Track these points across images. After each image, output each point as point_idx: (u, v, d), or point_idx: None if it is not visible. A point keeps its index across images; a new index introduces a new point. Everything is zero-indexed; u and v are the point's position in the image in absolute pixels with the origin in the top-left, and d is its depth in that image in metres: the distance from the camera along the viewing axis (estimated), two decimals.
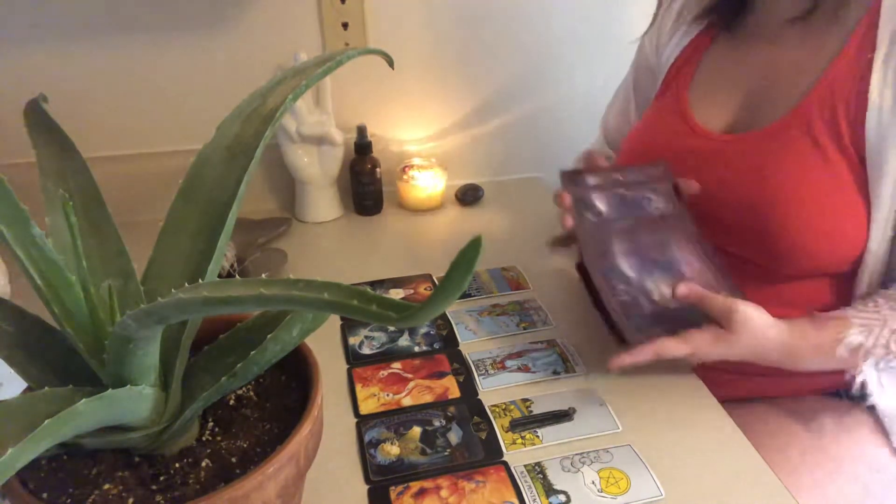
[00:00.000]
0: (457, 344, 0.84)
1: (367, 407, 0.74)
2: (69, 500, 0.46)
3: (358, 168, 1.18)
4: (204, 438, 0.52)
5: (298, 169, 1.16)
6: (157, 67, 1.13)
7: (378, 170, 1.19)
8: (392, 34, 1.18)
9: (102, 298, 0.45)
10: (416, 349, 0.83)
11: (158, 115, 1.16)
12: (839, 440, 0.77)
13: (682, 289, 0.71)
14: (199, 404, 0.47)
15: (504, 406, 0.73)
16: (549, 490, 0.63)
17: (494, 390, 0.76)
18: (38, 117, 0.53)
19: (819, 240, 0.72)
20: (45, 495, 0.46)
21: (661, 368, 0.76)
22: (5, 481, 0.34)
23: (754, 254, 0.77)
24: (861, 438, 0.77)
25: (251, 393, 0.56)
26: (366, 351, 0.83)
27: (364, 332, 0.86)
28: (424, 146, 1.28)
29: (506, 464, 0.66)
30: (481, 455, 0.67)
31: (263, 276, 0.96)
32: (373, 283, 0.98)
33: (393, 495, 0.63)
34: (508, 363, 0.80)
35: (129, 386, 0.43)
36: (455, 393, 0.75)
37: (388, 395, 0.75)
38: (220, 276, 0.68)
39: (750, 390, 0.82)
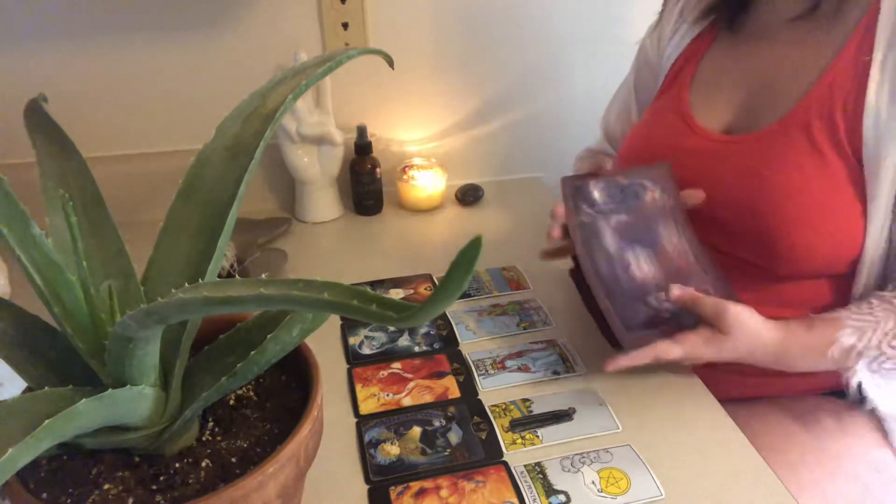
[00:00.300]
0: (457, 344, 0.84)
1: (367, 407, 0.74)
2: (69, 500, 0.46)
3: (358, 168, 1.18)
4: (204, 438, 0.52)
5: (298, 169, 1.16)
6: (157, 67, 1.13)
7: (378, 170, 1.19)
8: (392, 34, 1.18)
9: (102, 298, 0.45)
10: (416, 349, 0.83)
11: (158, 115, 1.16)
12: (839, 440, 0.77)
13: (676, 291, 0.71)
14: (199, 404, 0.47)
15: (504, 406, 0.73)
16: (549, 490, 0.63)
17: (494, 390, 0.76)
18: (38, 117, 0.53)
19: (817, 240, 0.72)
20: (45, 495, 0.46)
21: (661, 368, 0.76)
22: (5, 481, 0.34)
23: (752, 254, 0.77)
24: (861, 438, 0.77)
25: (251, 393, 0.56)
26: (366, 351, 0.83)
27: (364, 332, 0.86)
28: (425, 146, 1.28)
29: (506, 464, 0.66)
30: (481, 455, 0.67)
31: (263, 276, 0.97)
32: (373, 283, 0.98)
33: (393, 495, 0.63)
34: (508, 363, 0.80)
35: (129, 386, 0.43)
36: (455, 393, 0.75)
37: (388, 395, 0.75)
38: (220, 276, 0.68)
39: (750, 390, 0.83)
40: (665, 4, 0.95)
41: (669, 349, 0.69)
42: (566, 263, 0.85)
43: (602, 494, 0.62)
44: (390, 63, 0.53)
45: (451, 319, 0.88)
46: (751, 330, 0.68)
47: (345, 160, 1.19)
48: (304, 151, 1.15)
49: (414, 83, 1.23)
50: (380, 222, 1.20)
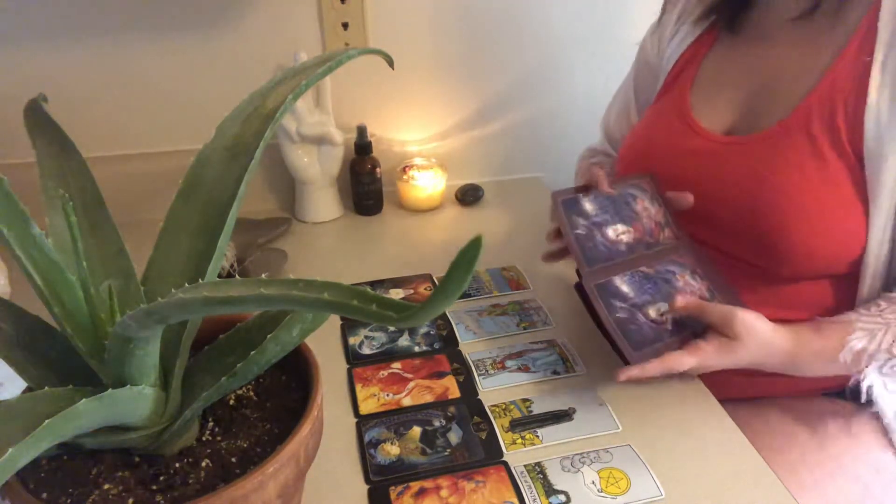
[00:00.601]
0: (457, 344, 0.84)
1: (367, 407, 0.74)
2: (69, 500, 0.46)
3: (358, 168, 1.18)
4: (204, 438, 0.52)
5: (298, 169, 1.16)
6: (157, 67, 1.13)
7: (378, 170, 1.19)
8: (392, 34, 1.18)
9: (102, 298, 0.45)
10: (416, 349, 0.83)
11: (158, 115, 1.16)
12: (839, 440, 0.77)
13: (680, 301, 0.71)
14: (199, 404, 0.47)
15: (504, 406, 0.73)
16: (549, 490, 0.63)
17: (494, 390, 0.76)
18: (38, 117, 0.53)
19: (818, 241, 0.72)
20: (45, 495, 0.46)
21: None
22: (5, 481, 0.34)
23: (753, 255, 0.77)
24: (861, 438, 0.77)
25: (251, 393, 0.56)
26: (366, 351, 0.83)
27: (364, 332, 0.86)
28: (425, 146, 1.28)
29: (506, 464, 0.66)
30: (481, 455, 0.67)
31: (263, 276, 0.97)
32: (373, 283, 0.98)
33: (393, 495, 0.63)
34: (508, 363, 0.80)
35: (129, 386, 0.43)
36: (455, 393, 0.75)
37: (388, 395, 0.75)
38: (220, 276, 0.68)
39: (750, 390, 0.82)
40: (665, 5, 0.95)
41: (681, 360, 0.67)
42: (566, 264, 0.85)
43: (602, 494, 0.62)
44: (390, 63, 0.53)
45: (451, 319, 0.88)
46: (760, 335, 0.68)
47: (345, 160, 1.19)
48: (304, 151, 1.15)
49: (414, 83, 1.23)
50: (380, 222, 1.20)
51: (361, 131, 1.17)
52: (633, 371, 0.68)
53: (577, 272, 0.81)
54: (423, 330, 0.86)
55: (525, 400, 0.74)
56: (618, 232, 0.77)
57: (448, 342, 0.84)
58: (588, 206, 0.77)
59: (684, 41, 0.89)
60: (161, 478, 0.48)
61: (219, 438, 0.52)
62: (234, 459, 0.50)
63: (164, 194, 0.53)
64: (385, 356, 0.82)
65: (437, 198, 1.22)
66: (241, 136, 0.49)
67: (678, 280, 0.74)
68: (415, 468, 0.66)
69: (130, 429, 0.47)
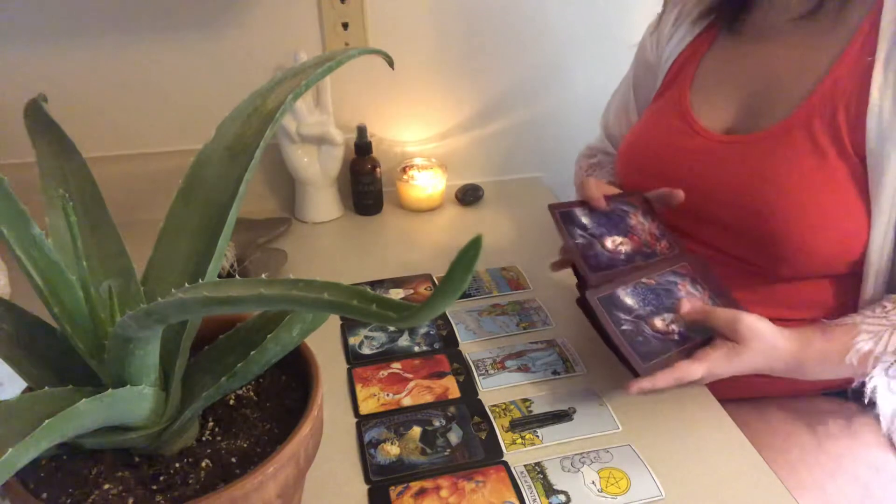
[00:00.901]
0: (457, 344, 0.84)
1: (367, 407, 0.74)
2: (69, 500, 0.46)
3: (358, 168, 1.18)
4: (204, 438, 0.52)
5: (298, 169, 1.16)
6: (157, 67, 1.13)
7: (378, 170, 1.19)
8: (392, 34, 1.18)
9: (102, 298, 0.45)
10: (416, 349, 0.83)
11: (158, 115, 1.16)
12: (839, 440, 0.77)
13: (686, 306, 0.70)
14: (199, 404, 0.47)
15: (504, 406, 0.73)
16: (549, 490, 0.63)
17: (494, 390, 0.76)
18: (38, 117, 0.53)
19: (818, 241, 0.71)
20: (45, 495, 0.46)
21: None
22: (5, 481, 0.34)
23: (753, 254, 0.77)
24: (861, 438, 0.77)
25: (251, 393, 0.56)
26: (366, 351, 0.83)
27: (364, 332, 0.86)
28: (425, 146, 1.28)
29: (506, 464, 0.66)
30: (481, 455, 0.67)
31: (263, 276, 0.97)
32: (373, 283, 0.98)
33: (393, 495, 0.63)
34: (508, 363, 0.80)
35: (129, 386, 0.43)
36: (455, 393, 0.75)
37: (388, 395, 0.75)
38: (220, 276, 0.68)
39: (750, 390, 0.82)
40: (665, 5, 0.95)
41: (691, 369, 0.66)
42: (571, 278, 0.85)
43: (602, 494, 0.62)
44: (390, 63, 0.53)
45: (451, 319, 0.88)
46: (765, 337, 0.67)
47: (345, 160, 1.19)
48: (304, 151, 1.15)
49: (414, 83, 1.23)
50: (380, 222, 1.20)
51: (361, 131, 1.18)
52: (645, 383, 0.66)
53: (578, 287, 0.81)
54: (423, 330, 0.86)
55: (525, 400, 0.74)
56: (616, 242, 0.78)
57: (448, 342, 0.84)
58: (584, 219, 0.79)
59: (683, 40, 0.89)
60: (161, 478, 0.48)
61: (219, 438, 0.52)
62: (234, 459, 0.50)
63: (164, 194, 0.53)
64: (385, 356, 0.82)
65: (437, 198, 1.22)
66: (241, 136, 0.49)
67: (680, 290, 0.74)
68: (415, 468, 0.66)
69: (130, 429, 0.47)
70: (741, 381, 0.81)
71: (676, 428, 0.70)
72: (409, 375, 0.78)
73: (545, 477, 0.64)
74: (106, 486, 0.47)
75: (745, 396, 0.82)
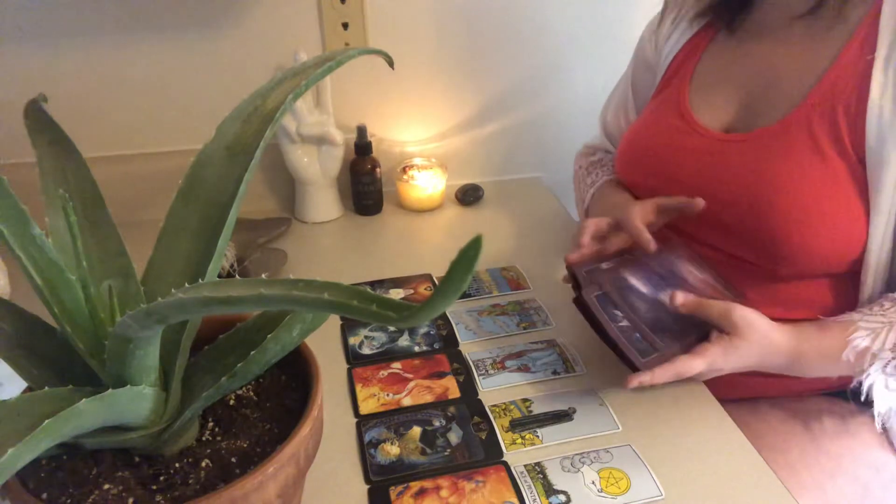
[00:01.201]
0: (457, 344, 0.84)
1: (367, 407, 0.74)
2: (69, 500, 0.46)
3: (358, 168, 1.18)
4: (204, 438, 0.52)
5: (298, 169, 1.16)
6: (158, 67, 1.13)
7: (378, 170, 1.19)
8: (392, 34, 1.18)
9: (102, 298, 0.45)
10: (416, 349, 0.83)
11: (158, 115, 1.16)
12: (839, 440, 0.77)
13: (680, 298, 0.70)
14: (199, 404, 0.47)
15: (504, 406, 0.73)
16: (549, 490, 0.63)
17: (494, 390, 0.76)
18: (38, 117, 0.53)
19: (817, 240, 0.71)
20: (45, 495, 0.46)
21: None
22: (5, 481, 0.34)
23: (752, 253, 0.77)
24: (861, 438, 0.77)
25: (251, 393, 0.56)
26: (366, 351, 0.83)
27: (364, 332, 0.86)
28: (425, 146, 1.28)
29: (506, 464, 0.66)
30: (481, 455, 0.67)
31: (263, 276, 0.97)
32: (373, 283, 0.98)
33: (393, 495, 0.63)
34: (508, 363, 0.80)
35: (129, 386, 0.43)
36: (455, 393, 0.75)
37: (388, 395, 0.75)
38: (220, 276, 0.68)
39: (750, 390, 0.82)
40: (665, 4, 0.95)
41: (691, 363, 0.67)
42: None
43: (602, 494, 0.62)
44: (390, 63, 0.53)
45: (451, 319, 0.88)
46: (760, 329, 0.67)
47: (345, 160, 1.19)
48: (304, 151, 1.15)
49: (414, 83, 1.23)
50: (380, 222, 1.20)
51: (361, 131, 1.17)
52: (644, 377, 0.67)
53: (574, 287, 0.81)
54: (423, 330, 0.86)
55: (525, 400, 0.74)
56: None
57: (448, 342, 0.84)
58: (631, 280, 0.74)
59: (682, 38, 0.89)
60: (161, 478, 0.48)
61: (219, 438, 0.52)
62: (234, 459, 0.50)
63: (164, 194, 0.53)
64: (385, 356, 0.82)
65: (437, 198, 1.22)
66: (241, 136, 0.49)
67: (686, 274, 0.74)
68: (415, 468, 0.66)
69: (130, 429, 0.47)
70: (741, 382, 0.81)
71: (676, 428, 0.70)
72: (409, 375, 0.78)
73: (545, 477, 0.64)
74: (106, 486, 0.47)
75: (745, 397, 0.82)
